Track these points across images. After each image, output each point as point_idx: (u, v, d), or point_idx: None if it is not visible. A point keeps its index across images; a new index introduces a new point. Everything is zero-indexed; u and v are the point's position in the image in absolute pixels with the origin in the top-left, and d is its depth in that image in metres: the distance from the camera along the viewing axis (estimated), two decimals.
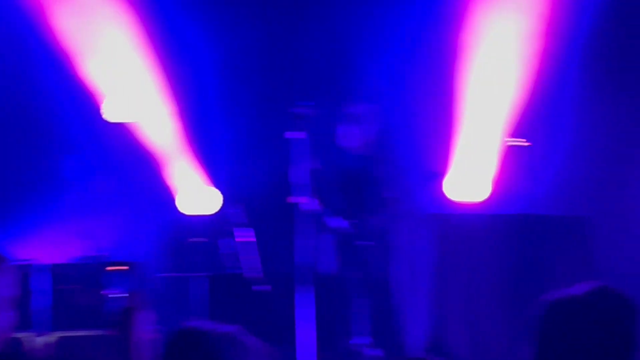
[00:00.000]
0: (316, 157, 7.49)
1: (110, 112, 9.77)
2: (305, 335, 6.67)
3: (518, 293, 8.21)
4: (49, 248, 9.25)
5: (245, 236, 9.34)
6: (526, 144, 8.51)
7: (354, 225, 8.66)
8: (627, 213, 9.93)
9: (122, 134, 9.88)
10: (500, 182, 9.64)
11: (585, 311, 2.64)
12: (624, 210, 9.91)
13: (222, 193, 9.93)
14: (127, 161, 9.99)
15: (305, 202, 6.83)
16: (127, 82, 9.82)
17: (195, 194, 9.96)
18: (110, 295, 8.32)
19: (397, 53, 9.92)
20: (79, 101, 9.84)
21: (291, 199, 8.61)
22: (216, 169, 10.06)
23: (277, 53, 10.16)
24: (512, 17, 9.58)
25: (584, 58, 9.83)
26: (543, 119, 9.80)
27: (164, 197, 9.91)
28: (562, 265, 8.35)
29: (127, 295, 8.23)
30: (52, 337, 8.16)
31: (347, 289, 8.84)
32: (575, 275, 8.35)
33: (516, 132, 8.79)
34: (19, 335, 7.82)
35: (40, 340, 8.12)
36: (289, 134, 6.77)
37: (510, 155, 8.93)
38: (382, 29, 9.90)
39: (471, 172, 9.79)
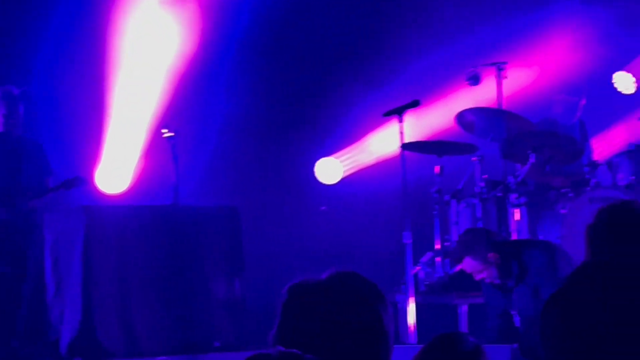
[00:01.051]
0: None
1: None
2: None
3: (170, 282, 8.30)
4: None
5: None
6: (172, 134, 8.58)
7: (7, 214, 8.43)
8: (271, 201, 10.30)
9: None
10: (151, 174, 9.70)
11: (326, 294, 2.69)
12: (268, 198, 10.28)
13: None
14: None
15: None
16: None
17: None
18: None
19: (50, 41, 9.71)
20: None
21: None
22: None
23: None
24: (164, 10, 9.65)
25: (238, 53, 10.08)
26: (193, 110, 9.95)
27: None
28: (213, 253, 8.52)
29: None
30: None
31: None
32: (224, 263, 8.56)
33: (166, 124, 8.86)
34: None
35: None
36: None
37: (161, 147, 8.99)
38: (36, 17, 9.66)
39: (120, 164, 9.79)
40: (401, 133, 7.90)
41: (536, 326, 3.57)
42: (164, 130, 8.70)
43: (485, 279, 7.02)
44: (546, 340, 3.50)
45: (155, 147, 9.55)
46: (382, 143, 10.43)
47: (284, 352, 2.32)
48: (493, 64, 9.09)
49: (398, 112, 7.95)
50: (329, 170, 10.65)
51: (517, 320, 7.12)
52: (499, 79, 9.04)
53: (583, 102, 9.46)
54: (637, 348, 3.30)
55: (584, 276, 3.53)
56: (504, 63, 9.04)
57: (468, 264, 6.95)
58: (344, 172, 10.66)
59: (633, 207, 3.82)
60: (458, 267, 7.31)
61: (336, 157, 10.66)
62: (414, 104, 8.03)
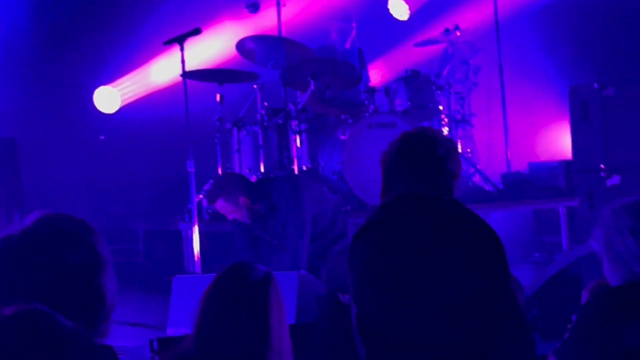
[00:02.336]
0: None
1: None
2: None
3: None
4: None
5: None
6: None
7: None
8: (50, 132, 10.11)
9: None
10: None
11: (35, 240, 2.64)
12: (47, 129, 10.08)
13: None
14: None
15: None
16: None
17: None
18: None
19: None
20: None
21: None
22: None
23: None
24: None
25: None
26: None
27: None
28: None
29: None
30: None
31: None
32: (3, 197, 8.38)
33: None
34: None
35: None
36: None
37: None
38: None
39: None
40: (182, 61, 7.86)
41: (344, 256, 3.67)
42: None
43: (237, 219, 7.14)
44: (353, 271, 3.60)
45: None
46: (163, 71, 10.35)
47: (23, 311, 2.26)
48: None
49: (179, 40, 7.89)
50: (108, 98, 10.49)
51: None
52: (279, 7, 9.08)
53: (353, 27, 9.58)
54: (439, 273, 3.45)
55: (390, 209, 3.63)
56: None
57: (220, 206, 7.05)
58: (123, 100, 10.52)
59: (427, 135, 3.80)
60: (212, 207, 7.42)
61: (115, 86, 10.51)
62: (195, 32, 7.98)
